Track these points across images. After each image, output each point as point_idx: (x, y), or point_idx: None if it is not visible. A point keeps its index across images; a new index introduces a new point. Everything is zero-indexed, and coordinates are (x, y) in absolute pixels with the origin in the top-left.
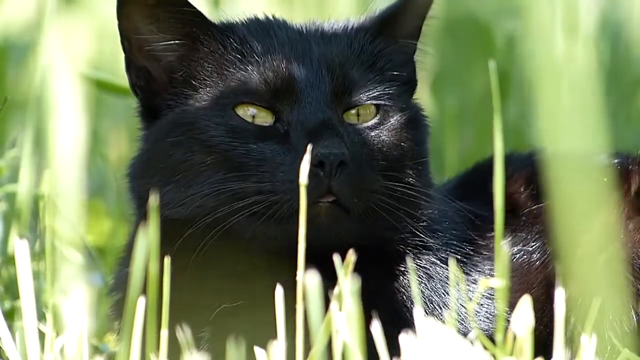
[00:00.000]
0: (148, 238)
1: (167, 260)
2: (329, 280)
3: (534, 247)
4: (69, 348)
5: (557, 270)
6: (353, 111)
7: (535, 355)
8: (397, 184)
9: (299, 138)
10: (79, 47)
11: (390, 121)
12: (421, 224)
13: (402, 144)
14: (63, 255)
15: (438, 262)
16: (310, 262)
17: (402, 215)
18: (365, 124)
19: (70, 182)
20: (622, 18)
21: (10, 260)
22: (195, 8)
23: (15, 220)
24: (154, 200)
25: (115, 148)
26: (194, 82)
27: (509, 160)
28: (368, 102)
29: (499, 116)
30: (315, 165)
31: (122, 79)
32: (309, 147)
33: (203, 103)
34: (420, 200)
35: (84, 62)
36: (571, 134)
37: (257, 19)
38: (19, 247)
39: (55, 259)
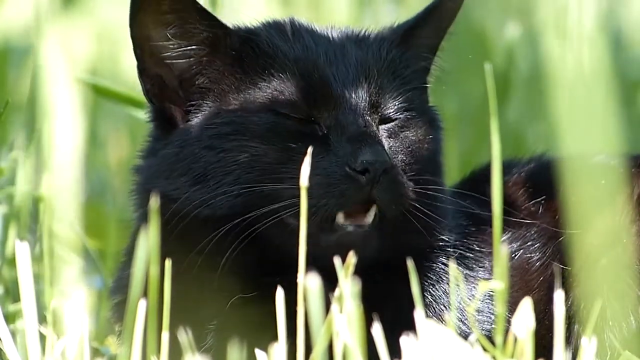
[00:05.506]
0: (149, 240)
1: (168, 263)
2: (331, 282)
3: (533, 247)
4: (70, 351)
5: (556, 271)
6: (385, 118)
7: (537, 357)
8: (425, 187)
9: (340, 143)
10: (78, 49)
11: (416, 128)
12: (441, 225)
13: (427, 148)
14: (63, 258)
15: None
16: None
17: (427, 218)
18: (395, 131)
19: (68, 184)
20: (621, 19)
21: (10, 263)
22: (211, 13)
23: (15, 222)
24: (154, 202)
25: (115, 151)
26: (219, 88)
27: (508, 166)
28: (399, 110)
29: (495, 119)
30: (359, 172)
31: (121, 83)
32: (354, 153)
33: (236, 107)
34: (442, 202)
35: (83, 65)
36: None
37: (277, 22)
38: (20, 249)
39: (55, 262)
